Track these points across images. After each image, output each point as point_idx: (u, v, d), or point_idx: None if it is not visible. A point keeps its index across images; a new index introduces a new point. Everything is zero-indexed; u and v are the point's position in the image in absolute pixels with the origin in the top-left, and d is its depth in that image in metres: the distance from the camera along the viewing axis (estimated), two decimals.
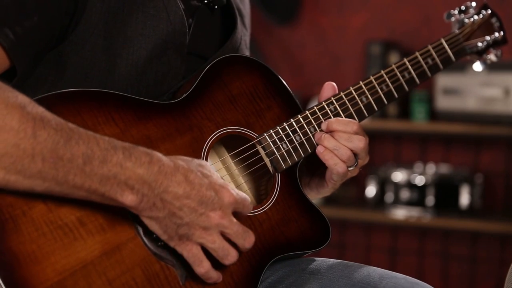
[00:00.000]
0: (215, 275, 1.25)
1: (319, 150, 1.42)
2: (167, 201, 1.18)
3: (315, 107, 1.47)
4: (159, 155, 1.19)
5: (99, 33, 1.32)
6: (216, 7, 1.50)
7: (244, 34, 1.57)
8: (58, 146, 1.12)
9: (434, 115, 3.76)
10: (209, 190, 1.20)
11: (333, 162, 1.42)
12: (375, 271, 1.39)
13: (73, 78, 1.33)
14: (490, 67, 3.52)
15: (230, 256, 1.23)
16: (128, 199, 1.16)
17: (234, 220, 1.23)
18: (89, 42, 1.32)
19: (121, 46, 1.34)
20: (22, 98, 1.13)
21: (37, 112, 1.13)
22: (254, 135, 1.40)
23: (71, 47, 1.32)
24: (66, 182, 1.14)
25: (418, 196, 3.73)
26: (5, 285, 1.12)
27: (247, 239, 1.24)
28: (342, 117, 1.47)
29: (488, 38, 1.67)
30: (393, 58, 3.84)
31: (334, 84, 1.50)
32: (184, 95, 1.36)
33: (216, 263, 1.25)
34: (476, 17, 1.67)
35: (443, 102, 3.69)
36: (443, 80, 3.66)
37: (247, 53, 1.58)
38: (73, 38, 1.32)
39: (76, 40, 1.32)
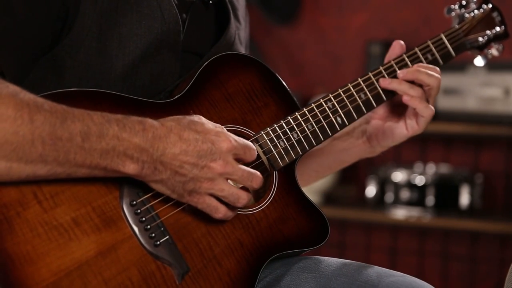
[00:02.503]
0: (231, 214, 1.29)
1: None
2: (166, 162, 1.21)
3: (312, 104, 1.46)
4: (151, 121, 1.22)
5: (93, 35, 1.33)
6: (210, 2, 1.49)
7: (237, 28, 1.56)
8: (55, 128, 1.14)
9: (434, 115, 3.75)
10: (205, 143, 1.23)
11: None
12: (373, 270, 1.38)
13: (69, 81, 1.34)
14: (490, 67, 3.52)
15: (241, 199, 1.27)
16: (130, 168, 1.19)
17: (237, 165, 1.26)
18: (84, 45, 1.33)
19: (116, 47, 1.34)
20: (12, 87, 1.15)
21: (30, 98, 1.15)
22: (251, 133, 1.39)
23: (65, 50, 1.33)
24: (68, 162, 1.16)
25: (418, 196, 3.72)
26: (0, 286, 1.12)
27: (254, 180, 1.27)
28: (340, 113, 1.48)
29: (489, 32, 1.66)
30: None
31: (403, 43, 1.60)
32: (180, 94, 1.35)
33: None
34: (476, 11, 1.67)
35: (443, 102, 3.68)
36: (443, 80, 3.58)
37: (241, 48, 1.57)
38: (67, 42, 1.32)
39: (71, 43, 1.32)
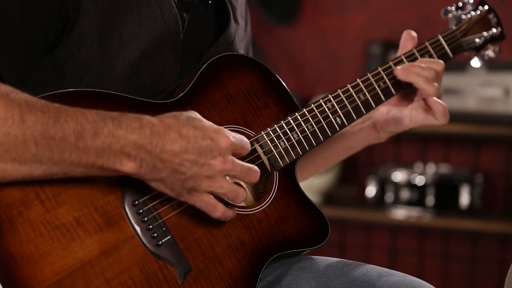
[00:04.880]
0: (231, 213, 1.28)
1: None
2: (166, 160, 1.19)
3: (312, 105, 1.47)
4: (148, 117, 1.20)
5: (94, 36, 1.32)
6: (209, 1, 1.50)
7: (236, 28, 1.57)
8: (48, 127, 1.13)
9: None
10: (205, 140, 1.21)
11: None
12: (373, 269, 1.38)
13: (71, 82, 1.33)
14: (490, 67, 3.53)
15: (240, 195, 1.26)
16: (128, 166, 1.18)
17: (236, 161, 1.24)
18: (85, 45, 1.32)
19: (117, 48, 1.34)
20: (4, 88, 1.14)
21: (21, 98, 1.14)
22: (252, 133, 1.40)
23: (66, 51, 1.32)
24: (63, 161, 1.15)
25: (418, 196, 3.72)
26: (3, 285, 1.12)
27: (253, 175, 1.27)
28: (339, 113, 1.48)
29: (485, 34, 1.68)
30: None
31: (415, 34, 1.64)
32: (181, 94, 1.36)
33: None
34: (473, 13, 1.68)
35: (443, 102, 3.68)
36: (443, 80, 3.63)
37: (239, 48, 1.58)
38: (69, 43, 1.32)
39: (72, 44, 1.32)
